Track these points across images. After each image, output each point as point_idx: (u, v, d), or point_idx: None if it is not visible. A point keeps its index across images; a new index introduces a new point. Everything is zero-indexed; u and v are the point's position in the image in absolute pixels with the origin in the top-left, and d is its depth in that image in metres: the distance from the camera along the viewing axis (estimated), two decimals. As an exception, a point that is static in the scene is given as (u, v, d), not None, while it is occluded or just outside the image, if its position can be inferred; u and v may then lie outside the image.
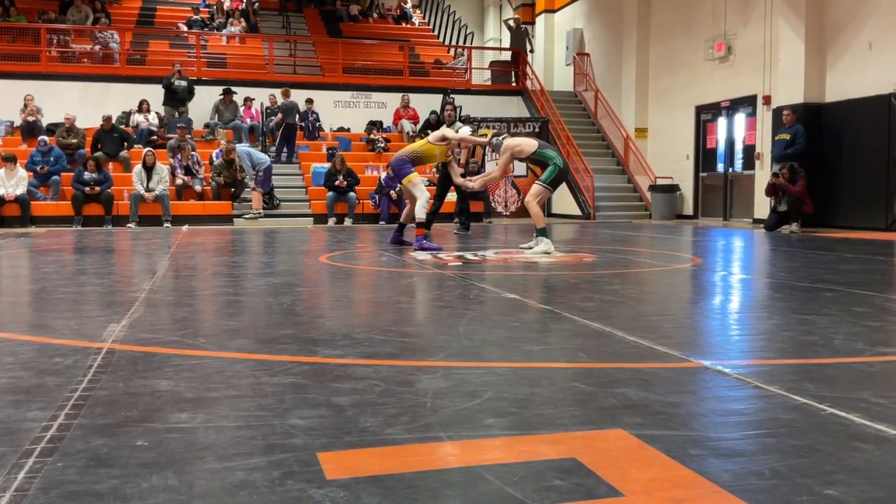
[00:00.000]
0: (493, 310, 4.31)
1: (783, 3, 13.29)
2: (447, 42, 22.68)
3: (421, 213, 8.01)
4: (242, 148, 14.55)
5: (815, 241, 9.88)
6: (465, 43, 22.14)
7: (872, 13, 12.04)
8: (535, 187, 7.86)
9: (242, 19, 20.17)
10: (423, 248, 7.84)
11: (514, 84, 20.12)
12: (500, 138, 8.18)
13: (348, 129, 17.93)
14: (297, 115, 16.34)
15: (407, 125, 17.64)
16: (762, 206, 13.44)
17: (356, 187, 14.80)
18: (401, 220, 8.75)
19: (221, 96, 16.54)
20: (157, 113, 16.30)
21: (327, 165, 15.27)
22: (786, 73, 13.34)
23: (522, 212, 16.56)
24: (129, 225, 13.45)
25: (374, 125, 17.53)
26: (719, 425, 2.17)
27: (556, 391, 2.57)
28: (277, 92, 16.61)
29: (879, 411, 2.24)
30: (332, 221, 14.49)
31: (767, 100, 14.03)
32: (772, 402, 2.37)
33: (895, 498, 1.62)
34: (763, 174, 13.72)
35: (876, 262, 7.21)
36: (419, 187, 8.06)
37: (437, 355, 3.05)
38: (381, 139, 16.95)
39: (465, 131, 8.63)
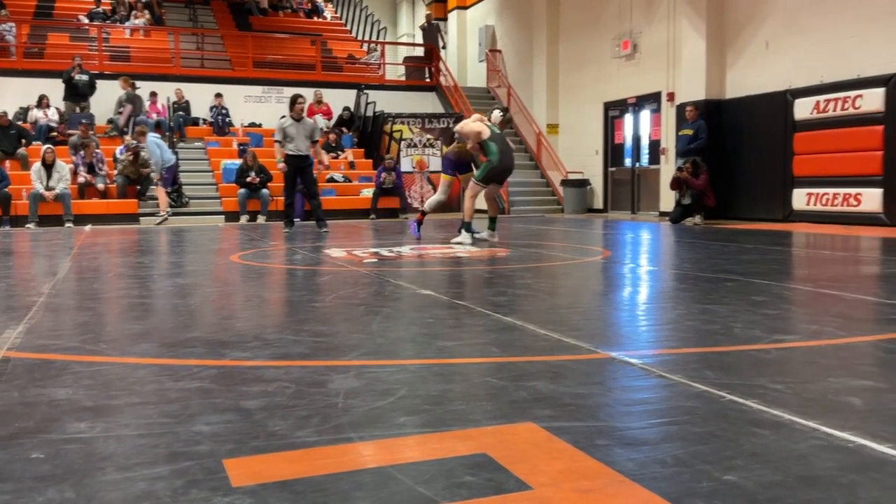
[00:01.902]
0: (407, 306, 4.30)
1: (685, 2, 13.72)
2: (360, 37, 22.54)
3: (430, 206, 9.36)
4: (153, 138, 14.02)
5: (718, 232, 10.25)
6: (378, 38, 22.04)
7: (769, 13, 12.56)
8: (471, 183, 8.55)
9: (146, 11, 19.55)
10: (415, 231, 9.25)
11: (428, 80, 20.14)
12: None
13: (260, 125, 17.60)
14: (143, 106, 15.96)
15: (320, 121, 17.43)
16: (668, 199, 13.88)
17: (269, 184, 14.55)
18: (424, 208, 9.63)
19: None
20: (57, 108, 15.64)
21: (238, 162, 14.96)
22: (688, 70, 13.79)
23: (438, 207, 16.60)
24: (28, 225, 12.86)
25: (287, 121, 17.24)
26: (625, 415, 2.22)
27: (469, 387, 2.59)
28: (184, 86, 16.14)
29: (776, 397, 2.33)
30: (244, 219, 14.20)
31: (671, 96, 14.47)
32: (674, 391, 2.44)
33: (791, 481, 1.69)
34: (668, 168, 14.16)
35: (774, 252, 7.53)
36: (444, 186, 9.36)
37: (350, 354, 3.03)
38: (293, 135, 16.67)
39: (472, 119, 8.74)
